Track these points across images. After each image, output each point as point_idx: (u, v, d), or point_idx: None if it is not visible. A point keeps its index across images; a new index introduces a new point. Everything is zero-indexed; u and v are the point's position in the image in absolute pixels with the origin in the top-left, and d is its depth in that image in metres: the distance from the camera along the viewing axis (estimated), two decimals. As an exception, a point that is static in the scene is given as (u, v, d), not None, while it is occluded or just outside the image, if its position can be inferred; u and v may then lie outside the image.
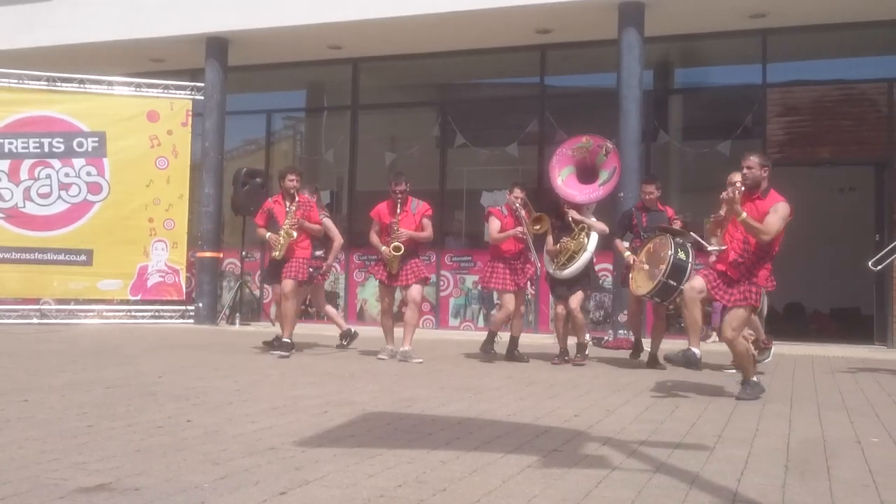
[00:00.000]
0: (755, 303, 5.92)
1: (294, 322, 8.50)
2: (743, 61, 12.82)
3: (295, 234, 8.30)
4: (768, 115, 12.20)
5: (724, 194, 5.95)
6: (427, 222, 8.31)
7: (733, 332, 5.88)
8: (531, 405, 5.40)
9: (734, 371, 7.60)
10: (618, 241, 8.24)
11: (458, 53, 13.49)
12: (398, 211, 8.13)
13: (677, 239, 7.41)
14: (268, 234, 8.48)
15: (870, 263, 8.21)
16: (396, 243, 8.04)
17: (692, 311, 6.04)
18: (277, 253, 8.35)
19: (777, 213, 5.83)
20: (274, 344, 8.60)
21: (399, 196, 8.15)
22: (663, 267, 7.21)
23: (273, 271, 8.64)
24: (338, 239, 9.15)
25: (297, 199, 8.47)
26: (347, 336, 9.26)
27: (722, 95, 12.98)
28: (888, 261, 8.23)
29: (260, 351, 8.82)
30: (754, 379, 6.03)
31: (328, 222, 9.06)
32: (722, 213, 6.04)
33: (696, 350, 6.02)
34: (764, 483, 3.44)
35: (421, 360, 7.95)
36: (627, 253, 7.96)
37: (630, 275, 7.70)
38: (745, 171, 5.99)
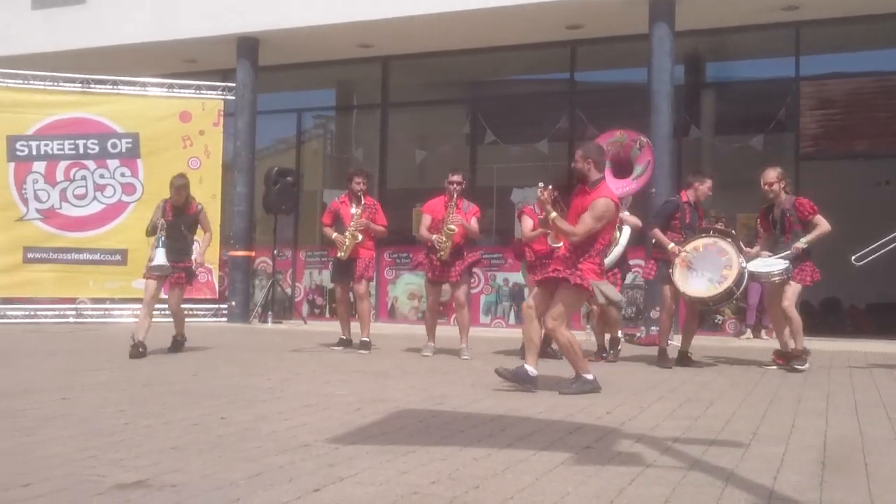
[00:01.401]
0: (583, 284, 5.75)
1: (370, 320, 8.87)
2: (775, 54, 12.67)
3: (360, 236, 8.50)
4: (802, 108, 12.05)
5: (539, 193, 5.99)
6: (475, 222, 8.40)
7: (553, 323, 5.80)
8: (563, 402, 5.38)
9: (775, 367, 7.53)
10: (658, 231, 7.72)
11: (488, 50, 13.48)
12: (454, 200, 8.16)
13: (731, 242, 7.46)
14: (334, 235, 8.64)
15: (853, 259, 8.01)
16: (450, 225, 8.07)
17: (528, 326, 5.93)
18: (343, 254, 8.54)
19: (592, 212, 5.77)
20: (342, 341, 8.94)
21: (456, 187, 8.18)
22: (728, 273, 7.22)
23: (339, 270, 8.81)
24: (209, 231, 8.84)
25: (363, 201, 8.64)
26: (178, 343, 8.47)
27: (754, 89, 12.84)
28: (872, 257, 7.99)
29: (295, 350, 8.87)
30: (588, 376, 5.83)
31: (205, 214, 8.74)
32: (542, 214, 6.05)
33: (529, 368, 5.80)
34: (801, 480, 3.40)
35: (469, 357, 8.11)
36: (672, 245, 7.57)
37: (672, 271, 7.56)
38: (573, 164, 6.06)
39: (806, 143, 12.02)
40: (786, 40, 12.03)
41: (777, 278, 7.39)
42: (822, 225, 7.41)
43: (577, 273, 5.75)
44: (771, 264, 7.48)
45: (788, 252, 7.40)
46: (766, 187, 7.55)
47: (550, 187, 6.03)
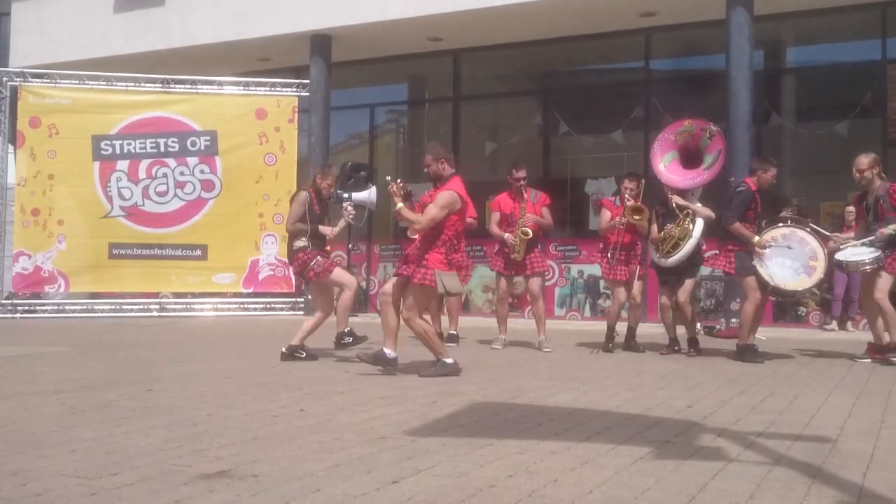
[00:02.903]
0: (424, 282, 6.02)
1: (458, 314, 8.79)
2: (861, 37, 12.24)
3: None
4: (889, 92, 11.60)
5: (389, 186, 6.48)
6: (546, 212, 8.41)
7: (406, 314, 6.13)
8: (641, 396, 5.30)
9: (868, 360, 7.28)
10: (739, 225, 7.37)
11: (560, 40, 13.35)
12: (524, 198, 8.20)
13: (810, 231, 7.31)
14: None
15: None
16: (525, 228, 8.11)
17: (385, 313, 6.26)
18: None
19: (435, 203, 6.17)
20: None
21: (521, 183, 8.22)
22: (816, 264, 7.10)
23: None
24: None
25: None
26: (352, 337, 7.47)
27: (838, 73, 12.42)
28: None
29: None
30: (447, 360, 6.13)
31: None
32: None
33: (388, 350, 6.17)
34: (893, 477, 3.27)
35: (551, 350, 8.06)
36: (757, 238, 7.31)
37: (755, 263, 7.35)
38: (425, 169, 6.44)
39: (894, 129, 11.57)
40: (872, 21, 11.60)
41: (868, 267, 7.15)
42: None
43: (421, 270, 6.04)
44: (860, 253, 7.24)
45: (873, 237, 7.13)
46: (858, 174, 7.32)
47: (399, 180, 6.56)
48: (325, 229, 7.26)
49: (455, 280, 6.29)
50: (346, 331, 7.32)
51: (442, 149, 6.57)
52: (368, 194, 7.69)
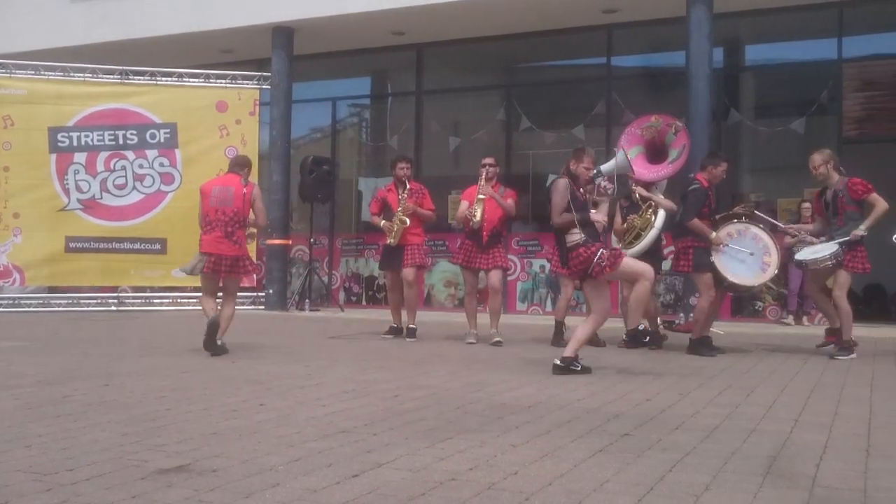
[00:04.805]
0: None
1: (416, 308, 8.77)
2: (817, 35, 12.43)
3: (408, 221, 8.48)
4: (845, 90, 11.82)
5: None
6: (511, 202, 8.49)
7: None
8: (601, 389, 5.35)
9: (831, 346, 7.41)
10: (697, 222, 7.46)
11: (523, 36, 13.39)
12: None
13: (762, 227, 7.47)
14: (382, 222, 8.65)
15: (894, 237, 7.92)
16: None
17: (204, 301, 7.32)
18: (392, 240, 8.53)
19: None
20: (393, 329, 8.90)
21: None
22: (770, 259, 7.26)
23: (388, 257, 8.75)
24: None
25: (408, 186, 8.63)
26: (648, 336, 6.84)
27: (796, 71, 12.61)
28: None
29: (334, 337, 8.91)
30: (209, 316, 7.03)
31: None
32: None
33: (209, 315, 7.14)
34: (845, 468, 3.34)
35: (501, 341, 8.09)
36: (714, 234, 7.47)
37: (713, 259, 7.47)
38: None
39: (849, 127, 11.79)
40: (828, 21, 11.79)
41: (830, 262, 7.24)
42: (879, 204, 7.18)
43: None
44: (819, 250, 7.35)
45: (846, 238, 7.22)
46: (813, 171, 7.46)
47: None
48: (597, 216, 6.48)
49: (191, 262, 7.24)
50: (640, 328, 6.45)
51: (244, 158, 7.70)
52: (616, 161, 6.99)
